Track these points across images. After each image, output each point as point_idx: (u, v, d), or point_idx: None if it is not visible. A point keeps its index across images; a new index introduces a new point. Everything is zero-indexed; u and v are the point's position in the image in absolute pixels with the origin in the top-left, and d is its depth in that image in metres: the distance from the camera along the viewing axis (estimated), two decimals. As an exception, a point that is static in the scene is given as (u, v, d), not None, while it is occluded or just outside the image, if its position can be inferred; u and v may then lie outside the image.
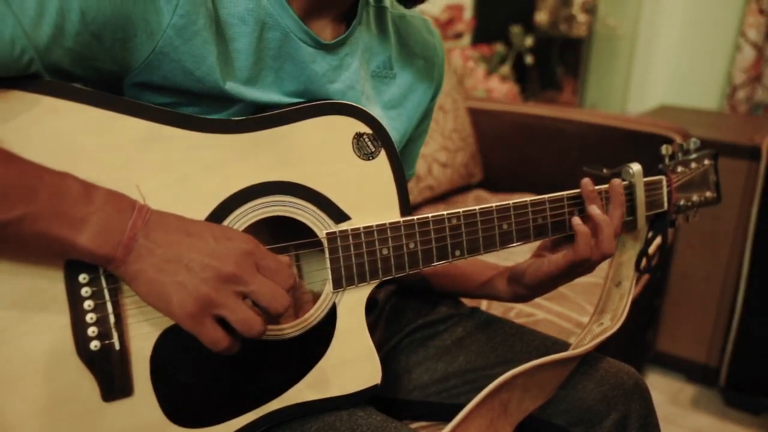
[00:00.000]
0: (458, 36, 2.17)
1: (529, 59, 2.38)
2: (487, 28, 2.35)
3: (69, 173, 0.53)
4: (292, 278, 0.57)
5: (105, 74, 0.59)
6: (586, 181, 0.77)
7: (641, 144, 1.65)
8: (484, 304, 1.21)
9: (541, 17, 2.51)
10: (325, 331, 0.67)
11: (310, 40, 0.66)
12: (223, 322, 0.55)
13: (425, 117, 0.86)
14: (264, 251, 0.57)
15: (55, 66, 0.56)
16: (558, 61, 2.57)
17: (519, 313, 1.19)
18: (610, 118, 1.76)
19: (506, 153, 1.88)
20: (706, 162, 0.88)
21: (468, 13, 2.32)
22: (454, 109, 1.77)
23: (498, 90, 2.13)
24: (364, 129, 0.67)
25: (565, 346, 0.83)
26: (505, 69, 2.28)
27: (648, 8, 2.64)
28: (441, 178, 1.71)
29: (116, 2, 0.54)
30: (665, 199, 0.85)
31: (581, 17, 2.51)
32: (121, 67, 0.58)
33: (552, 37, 2.54)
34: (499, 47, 2.30)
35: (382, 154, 0.68)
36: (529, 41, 2.36)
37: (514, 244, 0.74)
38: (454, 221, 0.70)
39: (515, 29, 2.34)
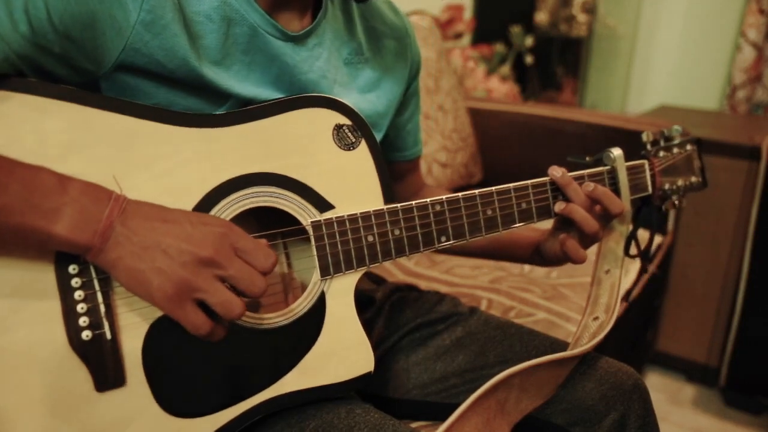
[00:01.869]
0: (458, 36, 2.17)
1: (529, 59, 2.38)
2: (487, 28, 2.35)
3: (44, 167, 0.54)
4: (270, 257, 0.57)
5: (84, 74, 0.60)
6: (554, 168, 0.78)
7: (641, 144, 1.65)
8: (483, 304, 1.21)
9: (541, 17, 2.50)
10: (315, 319, 0.68)
11: (278, 33, 0.67)
12: (204, 308, 0.56)
13: (411, 96, 0.88)
14: (240, 233, 0.57)
15: (35, 66, 0.57)
16: (558, 61, 2.57)
17: (519, 313, 1.19)
18: (610, 118, 1.76)
19: (506, 153, 1.88)
20: (689, 147, 0.89)
21: (468, 13, 2.32)
22: (454, 109, 1.77)
23: (498, 90, 2.13)
24: (344, 120, 0.68)
25: (564, 346, 0.83)
26: (505, 69, 2.28)
27: (648, 8, 2.63)
28: (441, 178, 1.71)
29: (81, 0, 0.55)
30: (649, 182, 0.86)
31: (581, 17, 2.51)
32: (95, 65, 0.59)
33: (552, 37, 2.54)
34: (499, 47, 2.30)
35: (363, 144, 0.69)
36: (529, 41, 2.36)
37: (500, 230, 0.75)
38: (438, 207, 0.71)
39: (515, 29, 2.34)
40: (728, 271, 1.77)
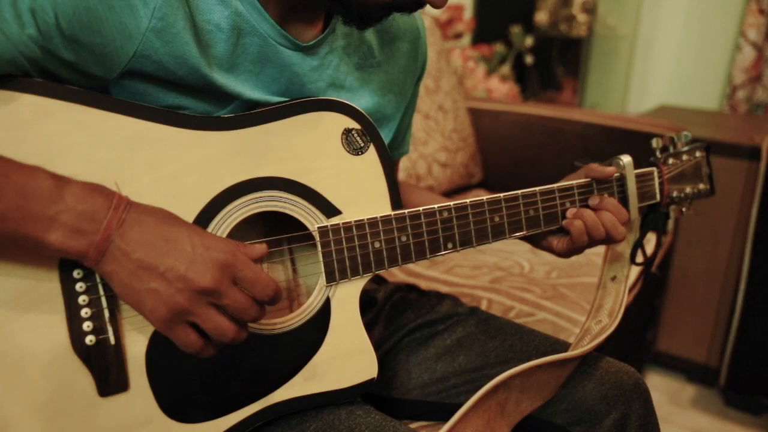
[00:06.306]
0: (458, 36, 2.17)
1: (529, 59, 2.38)
2: (487, 28, 2.35)
3: (40, 168, 0.53)
4: (270, 287, 0.57)
5: (93, 79, 0.59)
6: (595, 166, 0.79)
7: (641, 144, 1.65)
8: (484, 304, 1.21)
9: (541, 17, 2.50)
10: (319, 325, 0.68)
11: (289, 44, 0.67)
12: (197, 327, 0.56)
13: (413, 96, 0.87)
14: (243, 261, 0.56)
15: (43, 69, 0.57)
16: (558, 61, 2.57)
17: (519, 312, 1.19)
18: (610, 118, 1.76)
19: (506, 153, 1.88)
20: (698, 154, 0.89)
21: (468, 13, 2.32)
22: (454, 109, 1.77)
23: (498, 90, 2.13)
24: (353, 125, 0.68)
25: (564, 346, 0.83)
26: (505, 69, 2.28)
27: (648, 8, 2.63)
28: (441, 178, 1.71)
29: (90, 6, 0.55)
30: (657, 190, 0.85)
31: (581, 17, 2.51)
32: (104, 70, 0.59)
33: (552, 37, 2.54)
34: (499, 47, 2.30)
35: (371, 149, 0.69)
36: (529, 41, 2.36)
37: (507, 237, 0.75)
38: (446, 214, 0.71)
39: (515, 29, 2.34)
40: (728, 271, 1.77)
